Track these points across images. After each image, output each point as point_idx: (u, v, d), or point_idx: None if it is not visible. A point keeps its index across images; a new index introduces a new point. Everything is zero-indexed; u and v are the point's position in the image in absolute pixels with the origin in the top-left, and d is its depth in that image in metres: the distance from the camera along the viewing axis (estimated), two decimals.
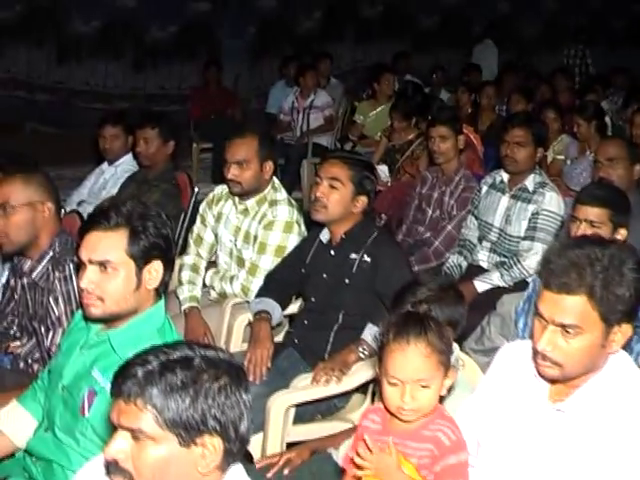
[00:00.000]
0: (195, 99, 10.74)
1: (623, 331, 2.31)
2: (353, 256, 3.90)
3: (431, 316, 2.57)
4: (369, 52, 14.00)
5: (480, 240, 5.24)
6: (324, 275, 3.99)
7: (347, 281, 3.90)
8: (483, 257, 5.20)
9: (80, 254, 2.65)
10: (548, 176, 6.46)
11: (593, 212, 3.69)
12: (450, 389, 2.50)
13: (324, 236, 4.05)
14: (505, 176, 5.16)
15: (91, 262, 2.61)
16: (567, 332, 2.28)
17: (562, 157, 7.23)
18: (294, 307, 4.36)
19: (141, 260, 2.63)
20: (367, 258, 3.87)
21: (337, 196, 3.89)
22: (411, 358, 2.35)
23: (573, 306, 2.26)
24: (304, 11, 13.71)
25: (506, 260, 5.01)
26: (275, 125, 9.96)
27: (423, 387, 2.35)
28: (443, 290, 3.03)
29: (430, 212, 5.70)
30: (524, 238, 4.95)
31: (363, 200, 3.93)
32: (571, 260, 2.26)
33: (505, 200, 5.11)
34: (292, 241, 4.37)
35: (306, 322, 4.05)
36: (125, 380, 1.87)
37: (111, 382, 1.92)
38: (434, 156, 5.73)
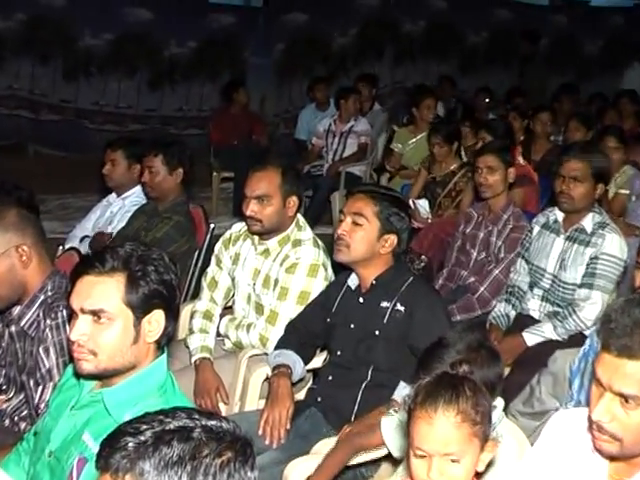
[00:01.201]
0: (216, 122, 10.76)
1: None
2: (385, 304, 3.84)
3: (469, 379, 2.48)
4: (410, 73, 13.99)
5: (531, 287, 5.15)
6: (352, 325, 3.93)
7: (377, 332, 3.83)
8: (534, 306, 5.10)
9: (71, 302, 2.60)
10: (610, 213, 6.42)
11: None
12: (490, 464, 2.42)
13: (352, 281, 3.99)
14: (560, 215, 5.07)
15: (83, 311, 2.56)
16: (627, 402, 2.20)
17: (626, 192, 7.11)
18: (318, 361, 4.29)
19: (140, 309, 2.57)
20: (400, 307, 3.80)
21: (361, 234, 3.85)
22: (438, 428, 2.28)
23: (635, 373, 2.18)
24: (338, 27, 13.72)
25: (560, 310, 4.91)
26: (305, 152, 9.97)
27: (453, 461, 2.28)
28: (473, 350, 2.94)
29: (475, 254, 5.62)
30: (581, 285, 4.85)
31: (392, 239, 3.87)
32: (636, 319, 2.19)
33: (560, 242, 5.02)
34: (317, 286, 4.32)
35: (331, 378, 3.98)
36: (113, 452, 1.80)
37: (97, 452, 1.85)
38: (480, 190, 5.66)
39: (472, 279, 5.52)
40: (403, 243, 3.95)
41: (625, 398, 2.20)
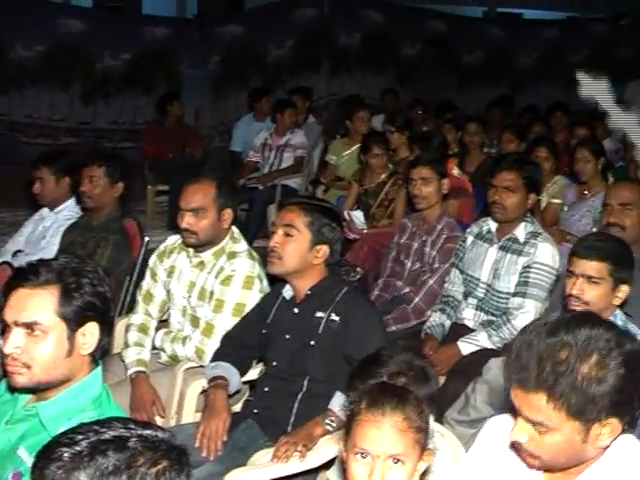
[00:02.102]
0: (150, 135, 10.71)
1: (612, 426, 2.28)
2: (319, 315, 3.89)
3: (409, 390, 2.55)
4: (346, 85, 14.04)
5: (465, 296, 5.24)
6: (287, 336, 3.97)
7: (313, 343, 3.88)
8: (469, 315, 5.18)
9: (5, 315, 2.61)
10: (543, 223, 6.54)
11: (591, 266, 3.68)
12: (426, 473, 2.48)
13: (287, 292, 4.04)
14: (493, 225, 5.17)
15: (17, 324, 2.57)
16: (537, 427, 2.29)
17: (559, 201, 7.25)
18: (254, 373, 4.31)
19: (74, 322, 2.59)
20: (335, 317, 3.86)
21: (293, 245, 3.90)
22: (385, 431, 2.36)
23: (535, 405, 2.27)
24: (274, 39, 13.75)
25: (494, 319, 5.00)
26: (242, 166, 9.98)
27: (395, 464, 2.34)
28: (408, 369, 3.02)
29: (409, 264, 5.70)
30: (514, 294, 4.95)
31: (324, 250, 3.93)
32: (536, 354, 2.26)
33: (493, 252, 5.11)
34: (252, 298, 4.35)
35: (267, 389, 4.01)
36: (49, 463, 1.81)
37: (32, 464, 1.87)
38: (415, 201, 5.74)
39: (407, 289, 5.58)
40: (336, 254, 4.01)
41: (534, 425, 2.29)
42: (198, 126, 12.54)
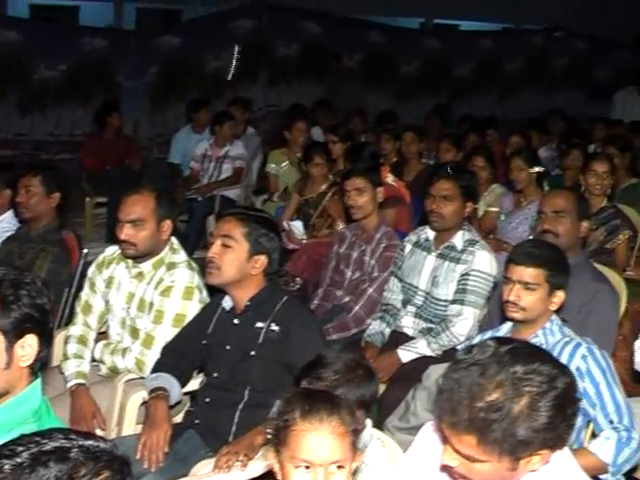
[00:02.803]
0: (88, 147, 10.64)
1: (542, 456, 2.33)
2: (259, 325, 3.90)
3: (336, 395, 2.60)
4: (284, 95, 14.08)
5: (404, 304, 5.29)
6: (227, 347, 3.98)
7: (253, 353, 3.89)
8: (408, 323, 5.23)
9: None
10: (480, 231, 6.62)
11: (528, 273, 3.72)
12: (355, 473, 2.52)
13: (227, 303, 4.05)
14: (431, 233, 5.23)
15: None
16: (469, 459, 2.32)
17: (495, 209, 7.35)
18: (195, 383, 4.30)
19: (12, 334, 2.57)
20: (275, 327, 3.87)
21: (231, 256, 3.91)
22: (324, 438, 2.38)
23: (465, 443, 2.30)
24: (212, 50, 13.75)
25: (433, 326, 5.06)
26: (180, 177, 9.99)
27: (338, 469, 2.38)
28: (350, 370, 3.05)
29: (349, 274, 5.73)
30: (453, 302, 5.01)
31: (262, 260, 3.94)
32: (466, 394, 2.27)
33: (431, 260, 5.17)
34: (192, 309, 4.35)
35: (208, 400, 4.01)
36: None
37: None
38: (351, 212, 5.78)
39: (347, 298, 5.62)
40: (274, 263, 4.02)
41: (464, 456, 2.32)
42: (137, 137, 12.47)
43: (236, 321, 3.99)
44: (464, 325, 4.90)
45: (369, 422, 3.03)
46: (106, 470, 1.86)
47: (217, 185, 9.43)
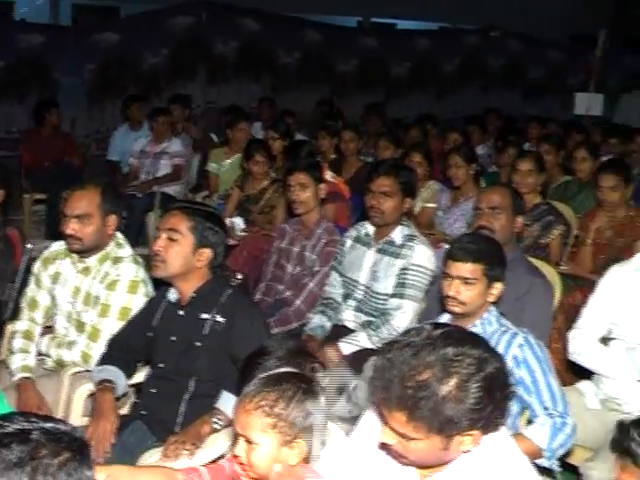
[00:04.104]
0: (27, 144, 10.58)
1: (473, 436, 2.44)
2: (204, 316, 3.97)
3: (304, 382, 2.72)
4: (223, 93, 14.10)
5: (345, 298, 5.40)
6: (173, 338, 4.04)
7: (198, 344, 3.95)
8: (349, 317, 5.34)
9: None
10: (418, 227, 6.74)
11: (466, 268, 3.83)
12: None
13: (172, 295, 4.11)
14: (371, 229, 5.35)
15: None
16: (404, 437, 2.43)
17: (433, 205, 7.49)
18: (141, 375, 4.36)
19: None
20: (220, 318, 3.94)
21: (177, 249, 3.97)
22: (241, 413, 2.63)
23: (397, 421, 2.41)
24: (150, 47, 13.73)
25: (373, 320, 5.16)
26: (119, 174, 10.00)
27: (250, 444, 2.60)
28: (293, 357, 3.14)
29: (290, 268, 5.83)
30: (392, 295, 5.12)
31: (207, 253, 4.01)
32: (398, 374, 2.38)
33: (371, 254, 5.29)
34: (138, 302, 4.43)
35: (154, 391, 4.08)
36: None
37: None
38: (293, 206, 5.87)
39: (288, 293, 5.72)
40: (219, 257, 4.09)
41: (400, 435, 2.44)
42: (74, 134, 12.40)
43: (181, 313, 4.06)
44: (403, 318, 5.01)
45: None
46: (67, 451, 1.92)
47: (156, 182, 9.47)
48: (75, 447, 1.95)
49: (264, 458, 2.60)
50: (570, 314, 5.52)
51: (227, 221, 7.23)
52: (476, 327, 3.85)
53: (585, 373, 4.59)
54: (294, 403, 2.62)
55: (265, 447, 2.60)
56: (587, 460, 4.08)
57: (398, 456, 2.51)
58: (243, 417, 2.63)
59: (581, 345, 4.48)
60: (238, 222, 7.30)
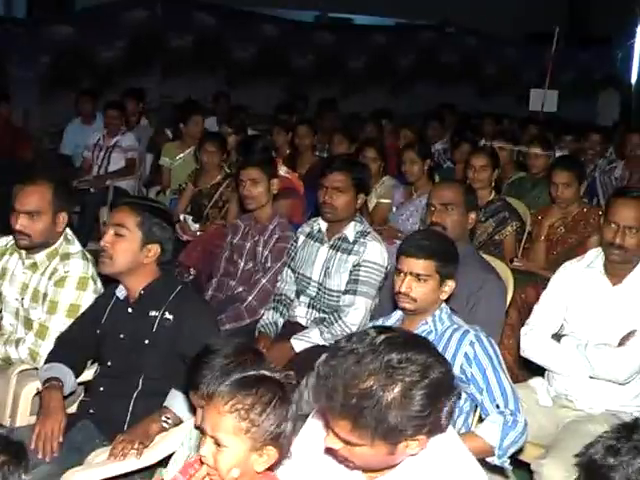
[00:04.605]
0: None
1: (419, 441, 2.40)
2: (153, 313, 3.91)
3: (277, 387, 2.66)
4: (178, 87, 14.00)
5: (298, 295, 5.36)
6: (122, 335, 3.98)
7: (147, 341, 3.90)
8: (301, 313, 5.31)
9: None
10: (372, 223, 6.74)
11: (418, 264, 3.78)
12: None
13: (121, 292, 4.06)
14: (323, 225, 5.31)
15: None
16: (349, 444, 2.40)
17: (387, 201, 7.45)
18: (89, 373, 4.29)
19: None
20: (169, 315, 3.89)
21: (124, 245, 3.91)
22: (211, 411, 2.58)
23: (342, 428, 2.37)
24: (105, 40, 13.61)
25: (326, 316, 5.13)
26: (72, 167, 9.92)
27: (218, 446, 2.55)
28: (242, 353, 3.12)
29: (242, 264, 5.77)
30: (345, 292, 5.09)
31: (155, 249, 3.95)
32: (341, 381, 2.33)
33: (324, 251, 5.25)
34: (87, 299, 4.37)
35: (102, 389, 4.02)
36: None
37: None
38: (245, 202, 5.82)
39: (240, 289, 5.66)
40: (168, 253, 4.03)
41: (343, 441, 2.41)
42: (27, 128, 12.28)
43: (130, 310, 4.00)
44: (356, 315, 4.98)
45: None
46: (2, 455, 1.89)
47: (110, 176, 9.38)
48: (11, 451, 1.93)
49: (231, 462, 2.55)
50: (523, 310, 5.55)
51: (181, 217, 7.19)
52: (427, 324, 3.83)
53: (538, 370, 4.58)
54: (270, 409, 2.57)
55: (234, 451, 2.55)
56: (538, 457, 4.07)
57: (344, 460, 2.48)
58: (215, 418, 2.58)
59: (533, 342, 4.46)
60: (188, 220, 7.22)
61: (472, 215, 4.92)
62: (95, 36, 13.44)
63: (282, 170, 7.41)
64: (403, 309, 3.88)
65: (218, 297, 5.74)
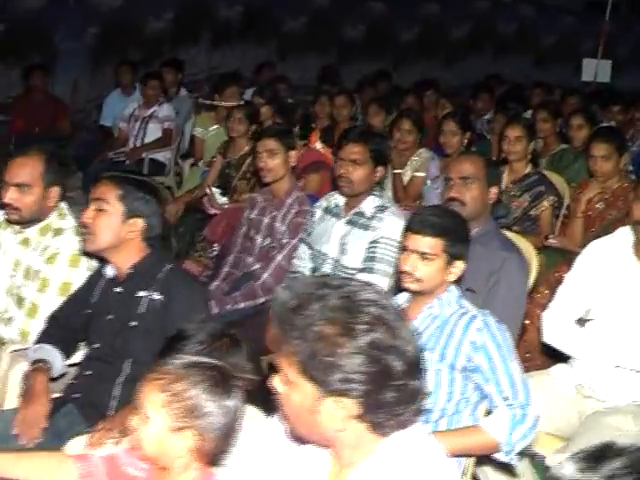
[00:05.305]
0: (17, 109, 10.31)
1: (346, 410, 2.11)
2: (141, 294, 3.67)
3: (219, 371, 2.48)
4: (227, 58, 13.80)
5: (313, 272, 5.06)
6: (109, 316, 3.75)
7: (134, 323, 3.66)
8: None
9: None
10: (407, 196, 6.44)
11: (425, 242, 3.48)
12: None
13: (110, 271, 3.82)
14: (341, 199, 5.02)
15: None
16: (281, 377, 2.19)
17: (422, 174, 7.10)
18: (81, 355, 4.06)
19: None
20: (158, 296, 3.65)
21: (105, 219, 3.67)
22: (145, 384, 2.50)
23: (276, 340, 2.16)
24: (153, 11, 13.43)
25: None
26: (112, 138, 9.72)
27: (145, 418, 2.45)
28: (216, 339, 2.93)
29: (259, 240, 5.50)
30: (361, 270, 4.79)
31: (139, 224, 3.70)
32: (295, 298, 2.13)
33: (340, 226, 4.96)
34: (79, 277, 4.13)
35: (89, 373, 3.78)
36: None
37: None
38: (261, 174, 5.55)
39: (257, 266, 5.41)
40: (154, 228, 3.76)
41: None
42: (76, 100, 12.17)
43: (118, 289, 3.77)
44: None
45: None
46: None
47: (145, 148, 9.18)
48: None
49: (151, 437, 2.42)
50: (557, 290, 5.21)
51: (207, 190, 6.97)
52: (432, 307, 3.53)
53: (563, 356, 4.24)
54: (197, 389, 2.40)
55: (155, 425, 2.42)
56: (557, 451, 3.77)
57: (283, 417, 2.28)
58: (144, 388, 2.48)
59: (555, 326, 4.14)
60: (216, 192, 6.97)
61: (493, 190, 4.54)
62: (143, 7, 13.26)
63: (317, 144, 7.13)
64: (407, 289, 3.57)
65: (234, 274, 5.50)
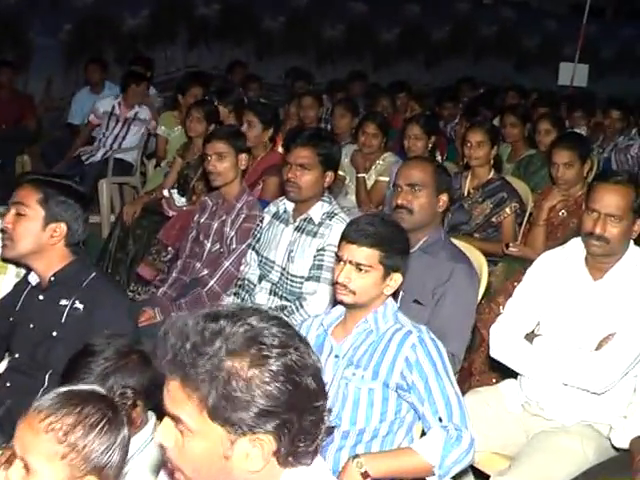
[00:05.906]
0: None
1: (265, 448, 1.91)
2: (63, 302, 3.52)
3: (99, 399, 2.25)
4: (204, 56, 13.64)
5: (260, 280, 4.88)
6: (31, 325, 3.59)
7: (55, 333, 3.50)
8: (262, 300, 4.79)
9: None
10: (370, 202, 6.26)
11: (360, 253, 3.30)
12: None
13: (33, 278, 3.66)
14: (290, 205, 4.82)
15: None
16: (179, 426, 1.95)
17: (386, 179, 6.89)
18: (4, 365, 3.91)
19: None
20: (79, 305, 3.50)
21: (24, 224, 3.51)
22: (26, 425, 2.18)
23: (171, 392, 1.94)
24: (129, 8, 13.27)
25: (288, 304, 4.65)
26: (78, 134, 9.54)
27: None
28: (123, 356, 2.79)
29: (209, 245, 5.30)
30: (308, 279, 4.61)
31: (61, 229, 3.54)
32: (184, 333, 1.91)
33: (288, 233, 4.76)
34: (6, 283, 4.00)
35: (8, 385, 3.62)
36: None
37: None
38: (210, 178, 5.34)
39: (205, 272, 5.21)
40: (78, 234, 3.61)
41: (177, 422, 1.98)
42: (50, 96, 12.01)
43: (41, 297, 3.61)
44: (319, 304, 4.48)
45: (152, 415, 2.82)
46: None
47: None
48: None
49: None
50: None
51: (165, 192, 6.79)
52: (366, 322, 3.34)
53: (514, 371, 4.06)
54: (95, 433, 2.15)
55: (46, 479, 2.11)
56: (500, 473, 3.59)
57: (175, 469, 1.99)
58: (27, 436, 2.13)
59: (502, 341, 3.94)
60: (176, 196, 6.76)
61: (443, 197, 4.32)
62: (119, 3, 13.14)
63: (280, 148, 6.95)
64: (341, 302, 3.39)
65: (182, 280, 5.30)
